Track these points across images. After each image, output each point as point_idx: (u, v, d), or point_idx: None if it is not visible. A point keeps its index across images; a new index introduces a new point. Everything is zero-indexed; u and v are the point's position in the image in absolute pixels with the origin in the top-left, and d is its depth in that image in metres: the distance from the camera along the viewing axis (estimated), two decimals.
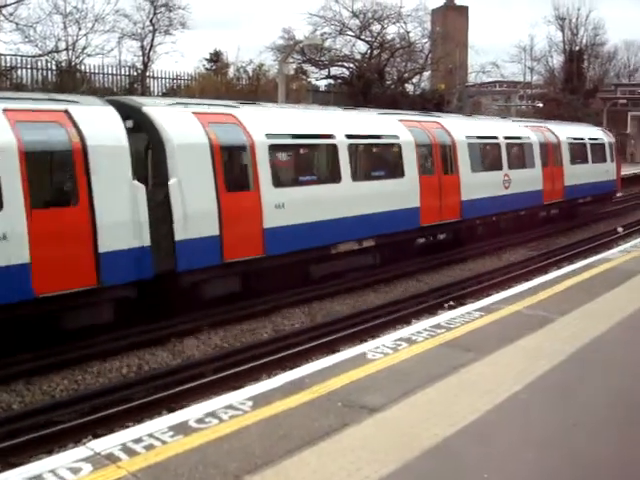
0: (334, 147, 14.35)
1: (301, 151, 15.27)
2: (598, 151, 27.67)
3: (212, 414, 5.28)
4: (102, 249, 10.03)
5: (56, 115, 10.00)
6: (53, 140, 9.98)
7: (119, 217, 10.29)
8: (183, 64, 73.97)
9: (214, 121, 12.17)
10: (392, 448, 4.70)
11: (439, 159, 17.73)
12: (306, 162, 15.46)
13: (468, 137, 19.17)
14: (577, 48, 64.23)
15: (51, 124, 9.92)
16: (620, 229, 23.40)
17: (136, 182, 10.52)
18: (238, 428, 5.01)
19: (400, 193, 15.93)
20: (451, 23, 53.20)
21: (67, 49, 30.61)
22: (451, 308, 11.10)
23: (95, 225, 9.95)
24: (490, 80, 57.11)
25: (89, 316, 10.32)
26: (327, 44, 41.19)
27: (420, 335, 7.40)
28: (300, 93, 36.39)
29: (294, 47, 32.84)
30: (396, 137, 16.32)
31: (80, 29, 31.01)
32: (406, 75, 44.32)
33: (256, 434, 4.91)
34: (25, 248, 9.17)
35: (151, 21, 35.49)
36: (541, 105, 48.78)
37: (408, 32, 43.42)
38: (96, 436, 7.19)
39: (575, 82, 60.68)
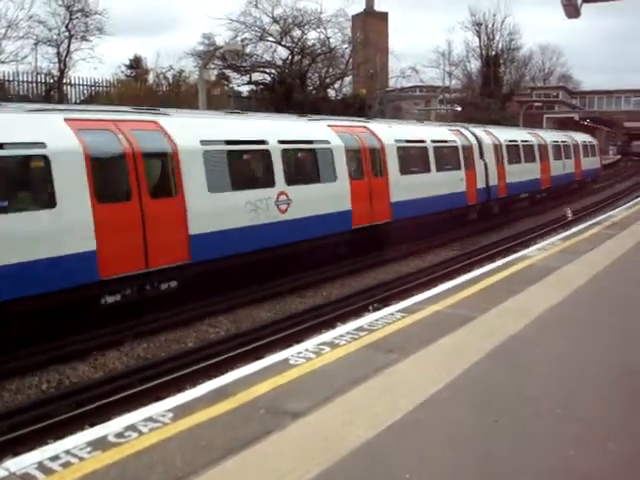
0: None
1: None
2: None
3: (132, 427, 5.15)
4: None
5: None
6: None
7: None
8: (103, 70, 72.60)
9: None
10: (315, 453, 4.69)
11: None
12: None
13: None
14: (494, 53, 66.08)
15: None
16: (569, 213, 25.81)
17: (480, 160, 19.86)
18: (158, 440, 4.91)
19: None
20: (371, 29, 53.73)
21: None
22: (376, 310, 11.18)
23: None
24: (410, 85, 58.13)
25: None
26: (248, 50, 41.12)
27: (343, 338, 7.42)
28: (222, 99, 36.18)
29: (214, 53, 32.63)
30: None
31: None
32: (327, 80, 44.62)
33: (177, 446, 4.82)
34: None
35: (67, 27, 34.77)
36: (460, 109, 49.78)
37: (328, 38, 43.77)
38: (17, 455, 6.94)
39: (492, 86, 62.39)
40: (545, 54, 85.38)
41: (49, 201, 10.66)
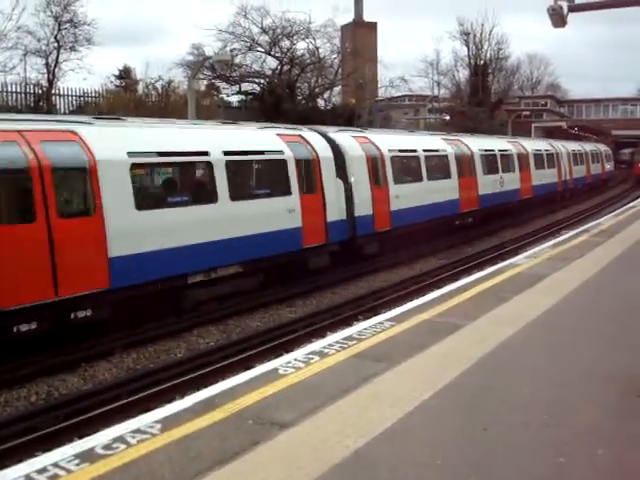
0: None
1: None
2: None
3: (120, 439, 5.12)
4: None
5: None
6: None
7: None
8: (92, 81, 72.48)
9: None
10: (304, 463, 4.67)
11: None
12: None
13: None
14: (482, 62, 66.37)
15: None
16: None
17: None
18: (146, 452, 4.88)
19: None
20: (360, 39, 53.96)
21: None
22: (365, 319, 11.17)
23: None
24: (399, 94, 58.33)
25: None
26: (237, 60, 41.16)
27: (332, 348, 7.41)
28: (211, 109, 36.19)
29: (203, 63, 32.65)
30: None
31: None
32: (317, 90, 44.73)
33: (165, 457, 4.80)
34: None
35: (56, 37, 34.70)
36: (448, 118, 49.99)
37: (317, 48, 43.92)
38: (4, 468, 6.89)
39: (481, 95, 62.63)
40: (533, 63, 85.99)
41: None
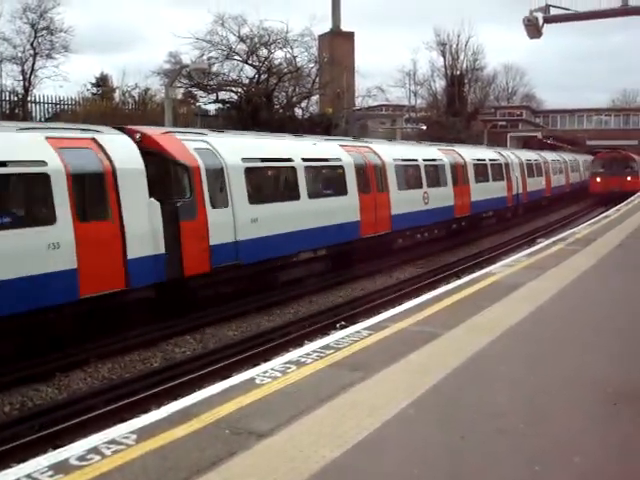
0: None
1: None
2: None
3: (94, 450, 5.05)
4: None
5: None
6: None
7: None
8: (68, 88, 71.81)
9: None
10: (281, 473, 4.64)
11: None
12: None
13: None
14: (458, 73, 66.90)
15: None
16: None
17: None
18: (122, 463, 4.82)
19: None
20: (338, 48, 54.02)
21: None
22: (343, 328, 11.17)
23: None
24: (376, 104, 58.51)
25: None
26: (214, 69, 41.04)
27: (309, 357, 7.37)
28: (188, 117, 36.09)
29: (180, 71, 32.52)
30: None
31: None
32: (294, 99, 44.71)
33: (141, 468, 4.74)
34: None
35: (32, 44, 34.48)
36: (425, 128, 50.26)
37: (295, 57, 43.90)
38: None
39: (457, 105, 63.12)
40: (509, 74, 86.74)
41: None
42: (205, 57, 40.57)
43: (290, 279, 16.81)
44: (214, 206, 14.17)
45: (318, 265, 18.06)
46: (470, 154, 29.45)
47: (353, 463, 4.83)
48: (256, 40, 42.09)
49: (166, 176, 14.07)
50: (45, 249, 10.84)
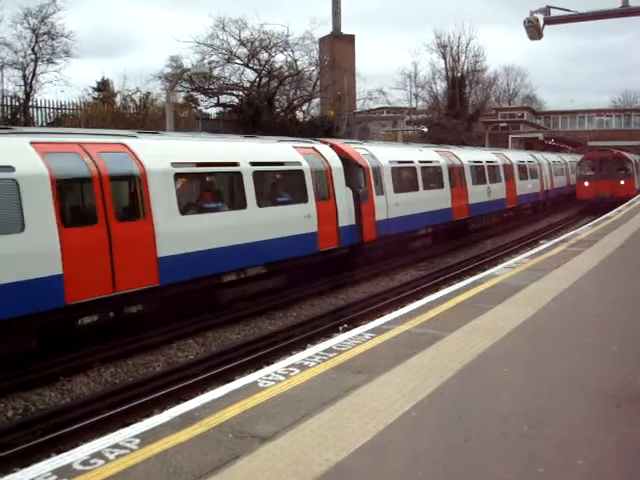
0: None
1: None
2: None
3: (98, 454, 5.06)
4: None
5: None
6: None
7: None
8: (70, 93, 71.97)
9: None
10: (284, 477, 4.64)
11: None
12: None
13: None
14: (459, 75, 66.78)
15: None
16: None
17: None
18: (125, 467, 4.82)
19: None
20: (339, 51, 54.10)
21: None
22: (345, 331, 11.17)
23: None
24: (377, 106, 58.54)
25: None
26: (215, 72, 41.06)
27: (312, 360, 7.38)
28: (189, 121, 36.11)
29: (181, 75, 32.53)
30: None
31: None
32: (295, 102, 44.73)
33: (144, 472, 4.74)
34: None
35: (33, 49, 34.51)
36: (426, 130, 50.27)
37: (296, 60, 43.92)
38: None
39: (458, 107, 63.05)
40: (510, 75, 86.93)
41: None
42: (206, 61, 40.66)
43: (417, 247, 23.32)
44: (377, 194, 20.26)
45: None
46: (514, 157, 35.52)
47: (357, 466, 4.83)
48: (257, 44, 42.16)
49: (351, 173, 19.31)
50: (303, 218, 16.68)
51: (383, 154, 21.67)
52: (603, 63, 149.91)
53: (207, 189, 15.47)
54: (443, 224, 24.89)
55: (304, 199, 16.97)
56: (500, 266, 14.81)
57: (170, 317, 13.15)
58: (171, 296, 13.09)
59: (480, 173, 29.37)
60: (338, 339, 8.48)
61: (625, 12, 15.20)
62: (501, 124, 62.54)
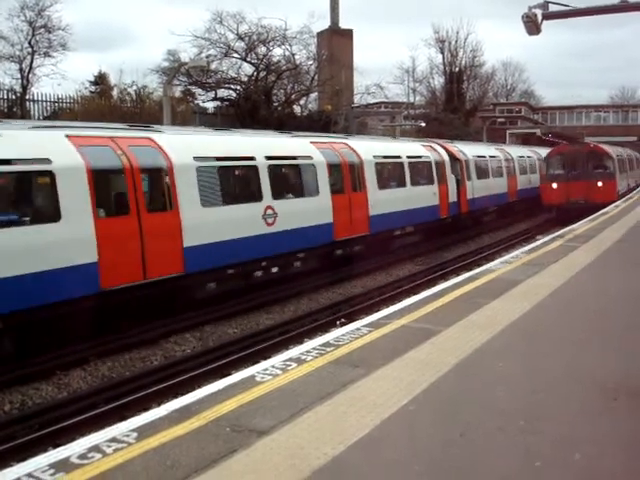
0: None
1: None
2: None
3: (95, 448, 5.06)
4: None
5: None
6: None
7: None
8: (67, 86, 71.68)
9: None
10: (281, 471, 4.65)
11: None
12: None
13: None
14: (457, 69, 66.80)
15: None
16: None
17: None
18: (123, 461, 4.82)
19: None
20: (336, 46, 53.98)
21: None
22: (342, 325, 11.18)
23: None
24: (375, 101, 58.46)
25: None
26: (213, 66, 40.95)
27: (309, 354, 7.38)
28: (186, 115, 36.03)
29: (179, 69, 32.46)
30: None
31: None
32: (293, 97, 44.68)
33: (141, 466, 4.75)
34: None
35: (30, 43, 34.42)
36: (424, 124, 50.22)
37: (294, 54, 43.84)
38: None
39: (456, 102, 63.09)
40: (507, 70, 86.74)
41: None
42: (203, 55, 40.52)
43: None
44: (467, 179, 27.99)
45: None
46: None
47: (354, 460, 4.84)
48: (254, 38, 42.08)
49: (453, 164, 26.86)
50: (431, 194, 24.69)
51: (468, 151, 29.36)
52: (601, 58, 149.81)
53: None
54: (506, 204, 33.38)
55: (431, 182, 24.68)
56: (497, 261, 14.81)
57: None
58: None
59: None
60: (335, 333, 8.48)
61: (624, 8, 15.16)
62: (499, 119, 62.54)
